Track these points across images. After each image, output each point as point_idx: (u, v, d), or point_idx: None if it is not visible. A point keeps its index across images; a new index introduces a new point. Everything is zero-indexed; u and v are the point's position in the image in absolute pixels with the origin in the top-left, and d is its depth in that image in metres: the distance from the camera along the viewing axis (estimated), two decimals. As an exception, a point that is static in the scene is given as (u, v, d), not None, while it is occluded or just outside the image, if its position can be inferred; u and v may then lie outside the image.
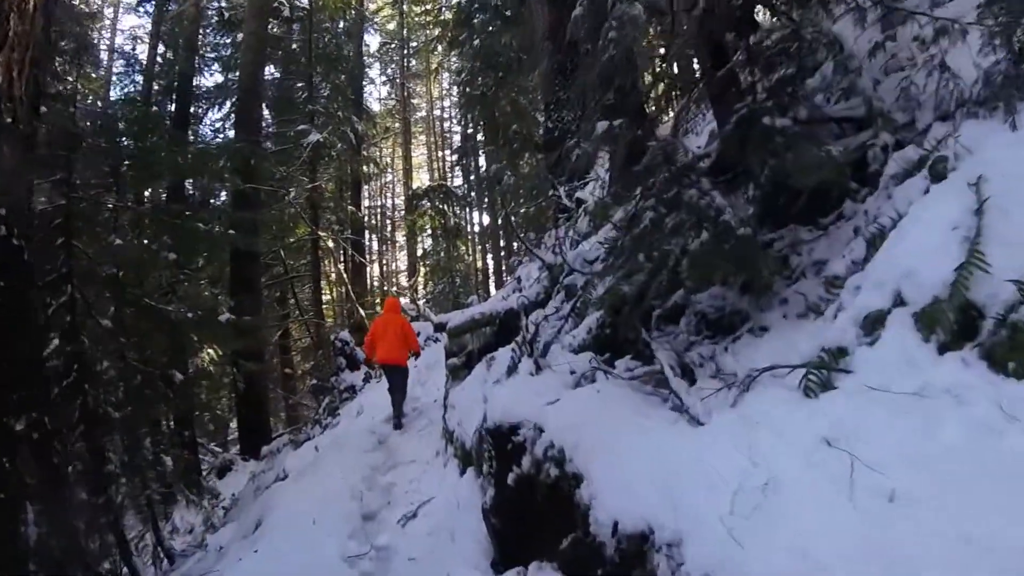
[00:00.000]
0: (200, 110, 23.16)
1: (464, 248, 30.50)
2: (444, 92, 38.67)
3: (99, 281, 9.25)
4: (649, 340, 4.70)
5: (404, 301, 25.86)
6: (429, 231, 28.27)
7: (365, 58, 29.68)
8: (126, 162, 11.42)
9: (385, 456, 9.41)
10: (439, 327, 10.40)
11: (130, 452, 9.56)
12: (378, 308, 21.82)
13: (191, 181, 20.88)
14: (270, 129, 23.18)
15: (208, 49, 22.59)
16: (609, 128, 5.70)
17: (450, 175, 34.68)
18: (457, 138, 34.16)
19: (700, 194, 4.54)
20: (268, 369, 17.80)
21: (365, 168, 25.53)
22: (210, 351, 15.45)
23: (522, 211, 19.09)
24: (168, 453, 11.60)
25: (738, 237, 4.32)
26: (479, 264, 32.97)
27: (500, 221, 26.80)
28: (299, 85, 22.94)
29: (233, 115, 20.15)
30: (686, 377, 4.38)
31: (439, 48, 32.25)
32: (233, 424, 19.69)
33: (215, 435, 20.68)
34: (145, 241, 14.88)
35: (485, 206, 29.66)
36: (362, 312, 19.50)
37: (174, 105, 20.04)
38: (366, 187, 31.16)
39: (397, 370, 10.38)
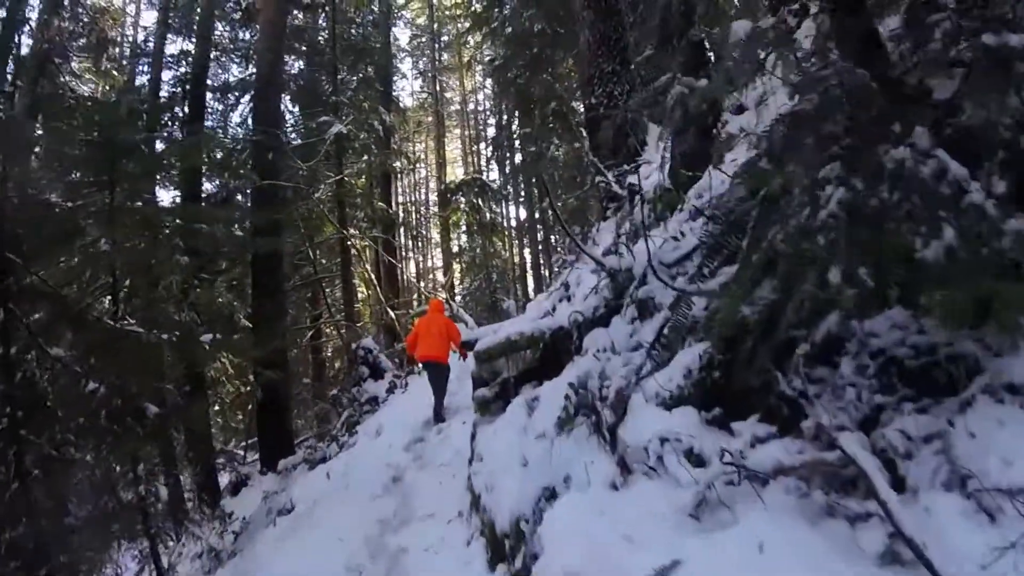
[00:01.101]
0: (221, 105, 21.38)
1: (500, 244, 28.62)
2: (478, 85, 36.59)
3: (48, 299, 7.23)
4: (802, 394, 2.60)
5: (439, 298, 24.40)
6: (464, 227, 26.43)
7: (395, 52, 28.09)
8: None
9: (398, 503, 7.53)
10: (467, 347, 8.32)
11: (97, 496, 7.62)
12: (412, 309, 20.62)
13: (209, 179, 19.57)
14: (294, 124, 21.61)
15: (227, 40, 20.66)
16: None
17: (485, 169, 32.87)
18: (492, 131, 32.46)
19: (918, 156, 2.35)
20: (290, 377, 15.93)
21: (396, 163, 23.63)
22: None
23: (561, 202, 16.83)
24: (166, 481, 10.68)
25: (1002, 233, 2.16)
26: (516, 260, 30.88)
27: (538, 215, 24.79)
28: (323, 78, 20.92)
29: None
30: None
31: (471, 40, 31.13)
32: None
33: (238, 436, 19.56)
34: (142, 244, 13.45)
35: (522, 199, 27.60)
36: (392, 314, 17.49)
37: (187, 99, 17.95)
38: (397, 183, 29.65)
39: (438, 367, 10.02)
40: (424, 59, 34.26)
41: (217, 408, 18.63)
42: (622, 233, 7.96)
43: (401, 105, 26.86)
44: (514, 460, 4.86)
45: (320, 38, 22.30)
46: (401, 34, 32.24)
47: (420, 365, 10.94)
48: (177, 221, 14.00)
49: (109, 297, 11.34)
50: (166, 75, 18.96)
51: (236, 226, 16.11)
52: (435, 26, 33.00)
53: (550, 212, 13.19)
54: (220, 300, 14.75)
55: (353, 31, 22.70)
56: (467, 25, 30.02)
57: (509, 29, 21.00)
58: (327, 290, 22.29)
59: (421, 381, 12.33)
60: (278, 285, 15.62)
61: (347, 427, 12.12)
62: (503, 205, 29.03)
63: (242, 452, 18.50)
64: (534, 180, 21.50)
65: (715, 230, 4.18)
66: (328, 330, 22.04)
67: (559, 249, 13.43)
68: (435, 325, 10.20)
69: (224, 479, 16.08)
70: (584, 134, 12.93)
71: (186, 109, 18.34)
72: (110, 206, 10.73)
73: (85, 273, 11.98)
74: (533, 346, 5.76)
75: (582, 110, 12.97)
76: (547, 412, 4.86)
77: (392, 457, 8.74)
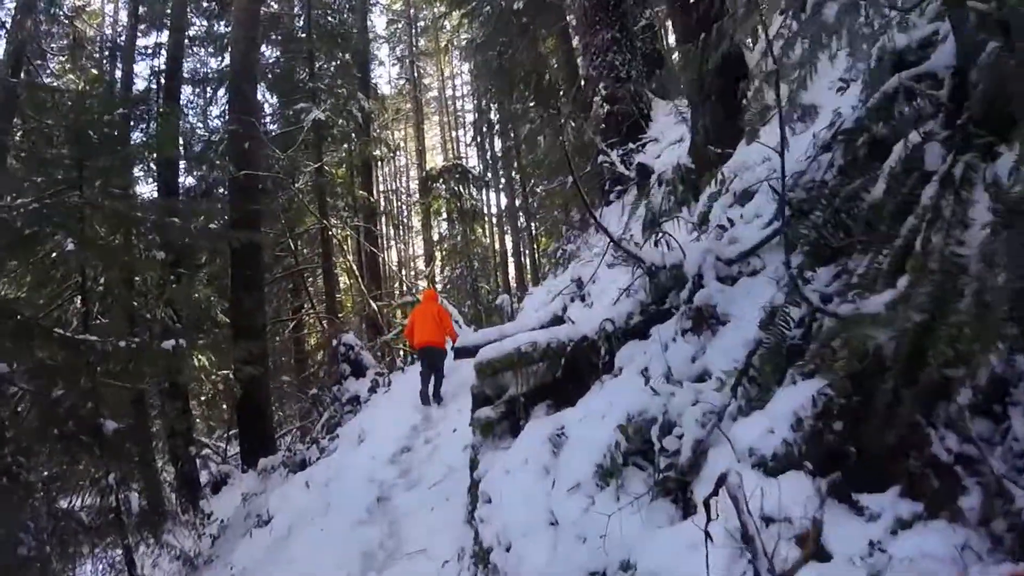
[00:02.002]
0: (200, 100, 20.45)
1: (481, 231, 27.64)
2: (456, 71, 35.66)
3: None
4: (961, 458, 2.16)
5: (421, 288, 23.48)
6: (445, 214, 25.42)
7: (372, 39, 26.94)
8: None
9: (384, 533, 6.70)
10: (461, 353, 7.40)
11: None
12: (394, 300, 20.12)
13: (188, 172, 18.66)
14: (272, 113, 20.64)
15: (203, 33, 19.58)
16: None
17: (465, 156, 31.83)
18: (471, 117, 31.42)
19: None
20: (269, 372, 15.06)
21: (376, 151, 22.56)
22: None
23: (545, 190, 15.75)
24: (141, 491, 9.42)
25: None
26: (497, 247, 29.90)
27: (519, 201, 23.86)
28: (300, 65, 20.00)
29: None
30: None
31: (447, 25, 30.01)
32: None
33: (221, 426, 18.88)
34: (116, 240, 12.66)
35: (502, 186, 26.62)
36: (375, 306, 16.50)
37: (160, 92, 16.94)
38: (378, 171, 28.59)
39: (434, 352, 10.12)
40: (401, 45, 33.32)
41: (199, 402, 17.68)
42: (630, 220, 7.12)
43: (379, 92, 25.77)
44: (538, 515, 3.93)
45: (296, 25, 21.46)
46: (377, 20, 31.38)
47: (416, 352, 10.97)
48: (152, 216, 13.03)
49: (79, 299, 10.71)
50: (140, 68, 18.00)
51: (217, 220, 15.29)
52: (411, 11, 31.91)
53: (572, 186, 12.03)
54: (197, 296, 13.67)
55: (329, 17, 21.55)
56: (443, 9, 29.12)
57: (488, 8, 20.02)
58: (309, 280, 21.49)
59: (404, 379, 11.59)
60: (258, 278, 14.79)
61: (328, 429, 11.20)
62: (484, 192, 28.02)
63: (223, 444, 17.75)
64: (539, 160, 20.36)
65: (818, 220, 3.28)
66: (310, 320, 21.10)
67: (566, 238, 12.40)
68: (429, 313, 10.38)
69: (206, 475, 15.30)
70: (581, 110, 12.01)
71: (160, 102, 17.31)
72: (79, 203, 10.05)
73: (53, 276, 11.22)
74: (549, 360, 4.85)
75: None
76: (580, 454, 3.91)
77: (376, 471, 7.92)
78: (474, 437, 5.57)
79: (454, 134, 36.46)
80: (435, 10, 30.41)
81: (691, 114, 7.45)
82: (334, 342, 13.17)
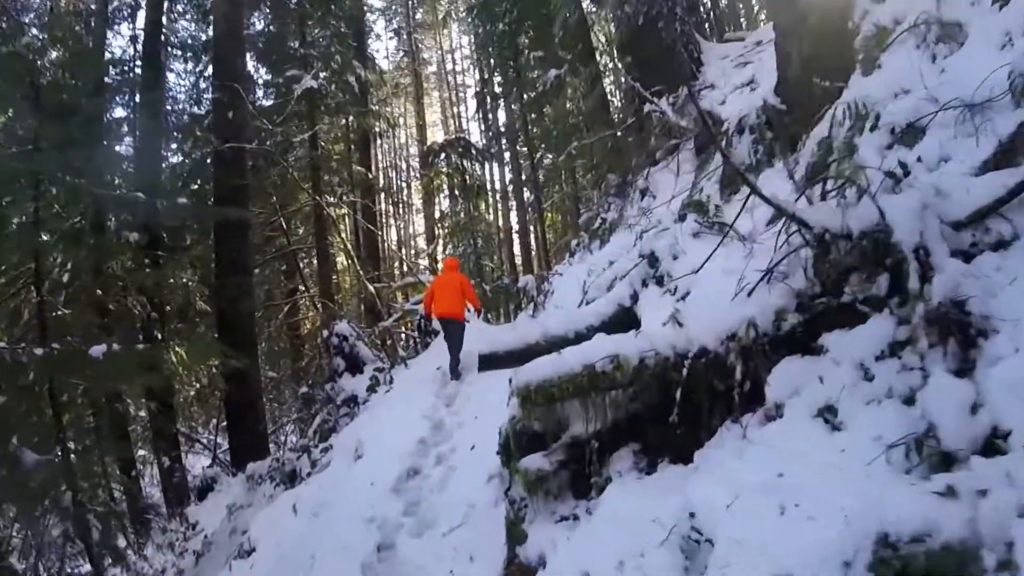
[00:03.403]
0: (191, 74, 18.57)
1: (484, 207, 25.66)
2: (455, 44, 33.69)
3: None
4: None
5: (422, 267, 21.58)
6: (447, 190, 23.45)
7: (368, 6, 24.77)
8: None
9: None
10: (489, 362, 5.22)
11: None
12: (393, 282, 18.91)
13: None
14: (262, 83, 18.61)
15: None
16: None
17: (467, 132, 29.73)
18: (472, 91, 29.32)
19: None
20: (259, 364, 13.12)
21: (375, 125, 20.53)
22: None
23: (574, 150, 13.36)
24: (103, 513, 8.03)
25: None
26: (501, 223, 27.86)
27: (525, 176, 21.86)
28: (291, 32, 17.80)
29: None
30: None
31: None
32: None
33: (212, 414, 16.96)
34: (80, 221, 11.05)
35: (507, 160, 24.57)
36: (373, 288, 14.53)
37: (140, 57, 15.09)
38: (377, 148, 26.54)
39: (455, 324, 9.59)
40: (398, 18, 30.98)
41: (186, 399, 15.89)
42: (699, 179, 5.27)
43: (377, 65, 23.60)
44: None
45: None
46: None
47: (436, 321, 10.30)
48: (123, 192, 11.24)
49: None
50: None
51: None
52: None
53: (609, 142, 10.08)
54: (172, 281, 11.72)
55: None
56: None
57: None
58: (304, 260, 19.81)
59: (408, 376, 9.77)
60: (244, 260, 12.92)
61: (320, 435, 9.31)
62: (488, 166, 25.99)
63: (215, 437, 16.04)
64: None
65: None
66: (305, 304, 19.16)
67: (600, 204, 10.32)
68: (451, 283, 9.77)
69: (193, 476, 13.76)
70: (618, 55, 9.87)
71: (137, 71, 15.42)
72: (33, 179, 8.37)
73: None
74: (642, 384, 2.92)
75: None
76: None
77: (376, 504, 6.06)
78: (513, 486, 3.62)
79: (455, 110, 34.34)
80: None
81: (778, 43, 5.66)
82: (325, 332, 11.20)
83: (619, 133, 9.63)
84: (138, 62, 15.53)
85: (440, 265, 22.51)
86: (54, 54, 12.26)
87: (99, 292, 11.47)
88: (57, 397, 8.81)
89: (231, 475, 12.24)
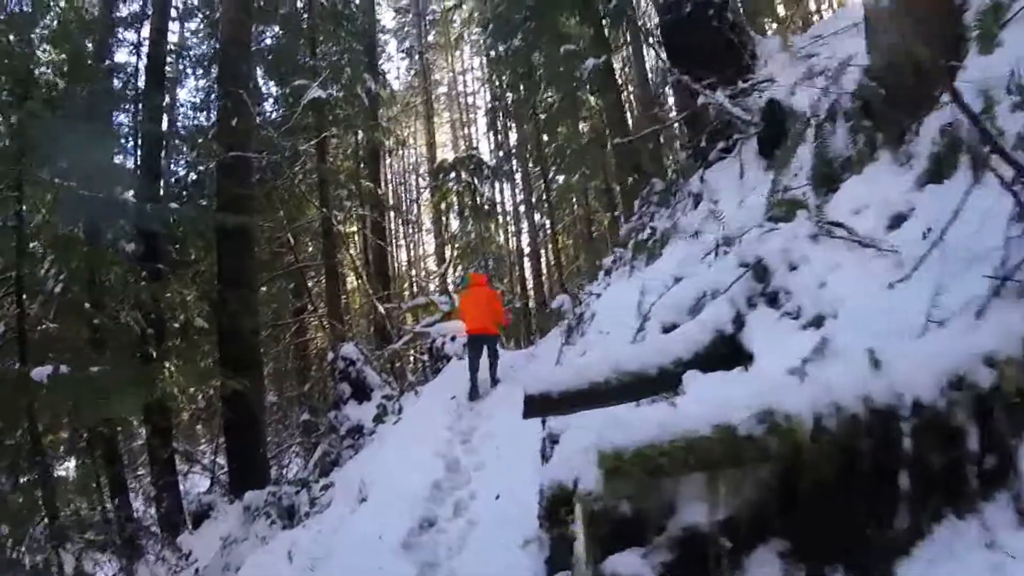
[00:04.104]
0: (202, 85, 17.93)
1: (494, 227, 24.65)
2: (467, 66, 32.88)
3: None
4: None
5: (433, 289, 20.54)
6: (457, 208, 22.46)
7: (380, 27, 24.21)
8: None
9: None
10: (539, 405, 3.59)
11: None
12: (403, 303, 18.25)
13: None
14: (270, 95, 17.76)
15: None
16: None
17: (477, 152, 28.80)
18: (483, 113, 28.55)
19: None
20: (262, 385, 12.04)
21: (385, 140, 19.61)
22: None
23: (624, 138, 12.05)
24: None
25: None
26: (512, 245, 26.87)
27: (539, 195, 20.91)
28: (302, 45, 16.88)
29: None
30: None
31: (458, 18, 27.68)
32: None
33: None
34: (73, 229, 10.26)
35: (518, 179, 23.69)
36: (383, 308, 13.44)
37: (143, 63, 14.45)
38: (386, 167, 25.65)
39: (486, 338, 9.33)
40: (409, 40, 30.12)
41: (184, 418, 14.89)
42: (779, 176, 4.19)
43: (386, 78, 22.76)
44: None
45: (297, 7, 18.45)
46: (385, 15, 28.56)
47: (468, 339, 9.87)
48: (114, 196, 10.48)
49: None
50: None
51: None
52: (420, 2, 28.94)
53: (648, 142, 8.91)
54: (169, 295, 10.71)
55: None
56: (452, 3, 26.51)
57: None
58: (312, 278, 18.65)
59: (419, 405, 8.70)
60: (247, 274, 11.94)
61: (322, 470, 8.16)
62: (498, 186, 25.00)
63: (215, 456, 14.98)
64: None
65: None
66: (314, 323, 18.08)
67: (640, 213, 9.15)
68: (480, 298, 9.50)
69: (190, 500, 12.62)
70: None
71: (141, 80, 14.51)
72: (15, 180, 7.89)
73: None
74: (812, 453, 1.87)
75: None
76: None
77: (385, 563, 4.94)
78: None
79: (466, 131, 33.44)
80: (445, 4, 27.84)
81: (872, 23, 4.70)
82: (330, 355, 10.10)
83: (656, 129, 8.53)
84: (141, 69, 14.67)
85: (451, 285, 21.69)
86: (51, 55, 11.43)
87: (90, 305, 10.52)
88: (36, 418, 7.87)
89: (228, 501, 11.27)
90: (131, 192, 10.98)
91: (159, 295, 11.15)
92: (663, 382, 2.87)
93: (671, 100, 12.72)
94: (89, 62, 10.84)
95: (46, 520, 7.55)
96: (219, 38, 14.94)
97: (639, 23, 11.27)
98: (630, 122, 13.84)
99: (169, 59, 17.16)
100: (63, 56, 11.05)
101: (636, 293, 4.97)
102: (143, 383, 7.12)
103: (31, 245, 9.54)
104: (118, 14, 14.66)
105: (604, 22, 12.36)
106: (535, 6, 13.38)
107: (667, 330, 3.48)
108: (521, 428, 6.20)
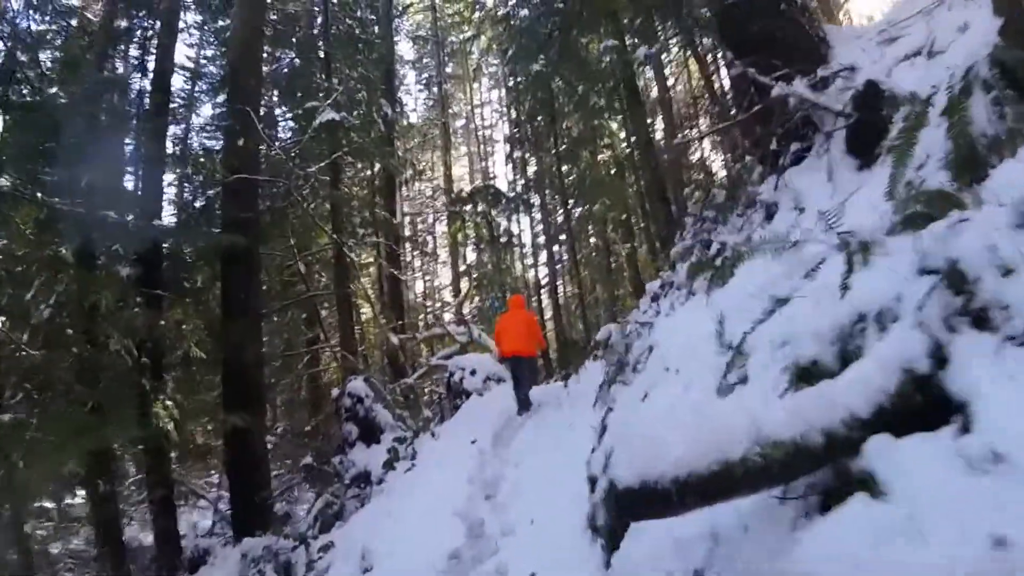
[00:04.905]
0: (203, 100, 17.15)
1: (510, 259, 23.61)
2: (484, 99, 32.68)
3: None
4: None
5: (448, 319, 19.39)
6: (473, 240, 21.42)
7: (398, 58, 23.50)
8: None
9: None
10: (642, 502, 1.95)
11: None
12: (418, 333, 17.15)
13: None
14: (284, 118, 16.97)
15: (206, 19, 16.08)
16: None
17: (494, 184, 28.01)
18: (501, 146, 27.77)
19: None
20: (263, 420, 10.86)
21: (402, 170, 18.69)
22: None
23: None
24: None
25: None
26: (530, 277, 25.80)
27: (558, 222, 19.91)
28: (315, 71, 16.12)
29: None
30: None
31: (475, 50, 27.44)
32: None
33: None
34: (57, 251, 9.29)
35: (535, 209, 22.69)
36: (395, 340, 12.30)
37: (148, 82, 13.65)
38: (402, 197, 24.83)
39: (524, 361, 9.08)
40: (428, 71, 29.73)
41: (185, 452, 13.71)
42: (898, 174, 2.92)
43: (406, 110, 21.99)
44: None
45: (314, 31, 17.66)
46: (404, 46, 28.19)
47: (506, 361, 9.70)
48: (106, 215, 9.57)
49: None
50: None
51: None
52: (438, 33, 28.15)
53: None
54: (163, 323, 9.61)
55: (349, 20, 17.83)
56: (470, 33, 26.15)
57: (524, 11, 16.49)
58: (325, 309, 17.78)
59: (435, 447, 7.51)
60: (251, 302, 10.67)
61: (322, 524, 6.93)
62: (517, 217, 23.96)
63: (218, 491, 13.72)
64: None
65: None
66: (326, 353, 16.99)
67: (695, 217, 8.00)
68: (518, 321, 9.33)
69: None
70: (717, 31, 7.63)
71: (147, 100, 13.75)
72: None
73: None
74: None
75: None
76: None
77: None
78: None
79: (483, 164, 32.67)
80: (463, 35, 27.44)
81: None
82: (335, 391, 8.95)
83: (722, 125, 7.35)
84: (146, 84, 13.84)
85: (477, 312, 20.76)
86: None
87: (72, 331, 9.52)
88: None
89: (228, 543, 10.25)
90: (131, 216, 10.13)
91: (154, 323, 10.08)
92: (830, 455, 1.71)
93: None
94: (82, 70, 9.83)
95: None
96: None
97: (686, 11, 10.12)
98: (659, 142, 12.90)
99: (183, 84, 16.59)
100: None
101: (708, 321, 3.82)
102: (88, 428, 5.98)
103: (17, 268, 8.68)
104: (120, 23, 13.82)
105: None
106: (561, 20, 12.42)
107: (800, 372, 2.31)
108: (557, 479, 5.00)
